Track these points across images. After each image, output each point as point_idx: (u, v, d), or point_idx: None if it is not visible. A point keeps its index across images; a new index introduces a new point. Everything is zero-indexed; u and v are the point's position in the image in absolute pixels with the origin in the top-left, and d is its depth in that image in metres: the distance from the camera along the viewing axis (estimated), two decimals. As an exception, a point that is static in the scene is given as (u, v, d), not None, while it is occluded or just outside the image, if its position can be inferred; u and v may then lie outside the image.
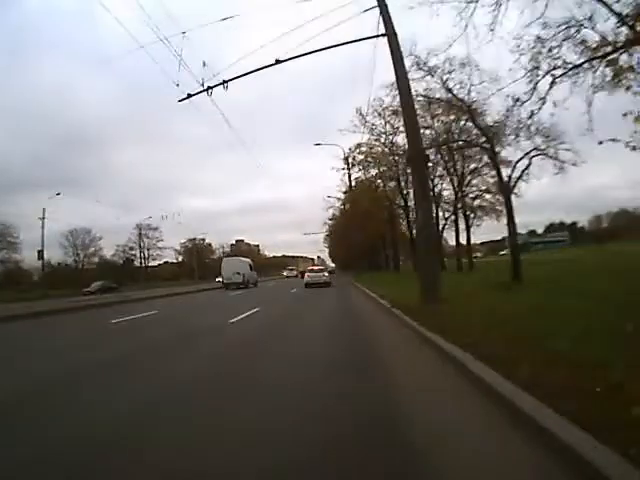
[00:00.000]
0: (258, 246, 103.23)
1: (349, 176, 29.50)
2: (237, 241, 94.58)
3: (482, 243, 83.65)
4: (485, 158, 19.31)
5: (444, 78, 13.90)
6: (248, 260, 33.33)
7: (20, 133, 69.50)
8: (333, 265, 70.80)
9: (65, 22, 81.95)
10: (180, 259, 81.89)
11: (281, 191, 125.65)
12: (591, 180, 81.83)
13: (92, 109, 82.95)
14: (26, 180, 62.60)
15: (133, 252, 66.63)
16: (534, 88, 9.93)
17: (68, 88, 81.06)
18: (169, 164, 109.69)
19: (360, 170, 28.26)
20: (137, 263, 68.02)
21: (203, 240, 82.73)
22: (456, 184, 23.74)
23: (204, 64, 10.44)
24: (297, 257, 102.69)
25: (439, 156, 22.57)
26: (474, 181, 24.35)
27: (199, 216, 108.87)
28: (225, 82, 10.41)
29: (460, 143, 19.06)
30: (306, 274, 25.55)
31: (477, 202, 25.49)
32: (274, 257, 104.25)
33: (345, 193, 34.04)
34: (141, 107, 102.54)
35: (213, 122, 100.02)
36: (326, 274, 24.74)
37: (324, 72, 60.62)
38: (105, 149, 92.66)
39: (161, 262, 75.20)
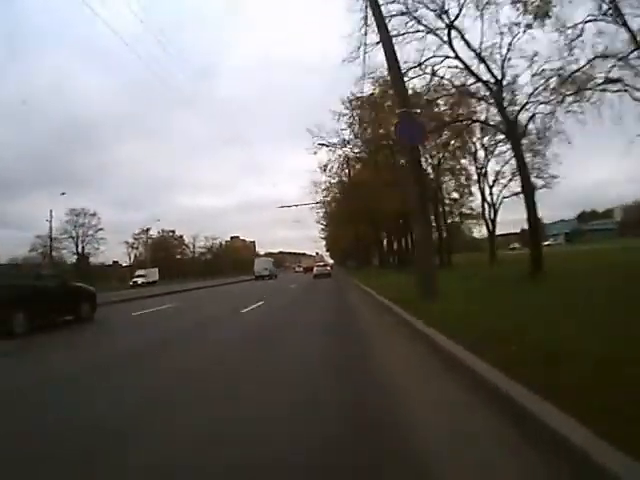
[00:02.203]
0: (254, 242, 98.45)
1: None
2: (232, 237, 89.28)
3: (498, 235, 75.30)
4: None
5: None
6: (272, 259, 50.62)
7: (16, 129, 60.95)
8: (332, 261, 73.39)
9: (63, 17, 74.38)
10: (133, 255, 64.25)
11: (278, 188, 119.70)
12: (590, 176, 75.93)
13: (89, 106, 77.16)
14: (23, 177, 55.74)
15: (58, 245, 48.78)
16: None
17: (66, 83, 75.04)
18: (163, 161, 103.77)
19: None
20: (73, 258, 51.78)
21: (172, 232, 70.18)
22: None
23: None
24: (298, 254, 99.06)
25: None
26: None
27: (196, 213, 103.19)
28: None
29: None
30: (314, 268, 34.47)
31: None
32: (270, 254, 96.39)
33: (352, 100, 17.14)
34: (138, 104, 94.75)
35: (210, 119, 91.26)
36: (328, 268, 35.20)
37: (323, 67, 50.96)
38: (100, 146, 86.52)
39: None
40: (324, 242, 65.96)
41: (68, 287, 9.57)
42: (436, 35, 10.88)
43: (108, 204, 69.11)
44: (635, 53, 9.48)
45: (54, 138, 67.87)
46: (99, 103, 77.23)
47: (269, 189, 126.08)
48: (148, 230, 61.91)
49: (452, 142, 18.22)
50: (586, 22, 9.77)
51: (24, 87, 64.61)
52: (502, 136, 16.48)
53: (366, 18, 9.79)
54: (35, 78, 69.24)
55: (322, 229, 52.32)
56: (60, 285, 9.31)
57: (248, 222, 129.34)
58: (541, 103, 11.52)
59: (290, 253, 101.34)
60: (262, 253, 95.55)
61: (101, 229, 53.75)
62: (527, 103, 11.52)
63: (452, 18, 10.50)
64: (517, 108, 11.65)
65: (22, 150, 57.60)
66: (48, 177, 67.34)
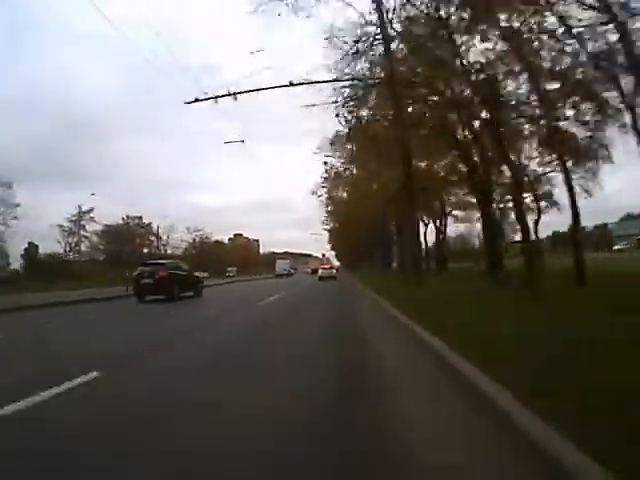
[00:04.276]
0: (257, 241, 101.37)
1: None
2: (235, 235, 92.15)
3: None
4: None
5: None
6: (288, 261, 63.43)
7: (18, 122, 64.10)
8: (338, 264, 75.65)
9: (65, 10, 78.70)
10: (66, 243, 46.51)
11: (285, 189, 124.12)
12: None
13: (90, 101, 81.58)
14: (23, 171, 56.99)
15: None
16: None
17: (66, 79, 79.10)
18: (165, 159, 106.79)
19: None
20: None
21: (139, 219, 56.79)
22: None
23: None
24: (304, 255, 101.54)
25: None
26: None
27: (203, 210, 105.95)
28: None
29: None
30: (320, 270, 34.95)
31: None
32: (274, 253, 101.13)
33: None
34: (141, 101, 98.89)
35: (215, 118, 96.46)
36: (334, 271, 35.47)
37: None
38: (102, 143, 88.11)
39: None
40: (327, 235, 58.19)
41: (191, 274, 16.28)
42: None
43: (109, 200, 73.28)
44: None
45: (56, 131, 72.34)
46: (100, 99, 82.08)
47: (274, 188, 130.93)
48: (85, 213, 45.47)
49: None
50: None
51: (26, 80, 68.87)
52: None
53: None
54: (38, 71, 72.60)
55: (325, 216, 43.31)
56: (189, 273, 16.03)
57: (253, 221, 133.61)
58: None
59: (295, 254, 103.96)
60: (264, 252, 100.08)
61: (18, 205, 37.61)
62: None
63: None
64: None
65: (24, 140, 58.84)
66: (50, 168, 68.74)
